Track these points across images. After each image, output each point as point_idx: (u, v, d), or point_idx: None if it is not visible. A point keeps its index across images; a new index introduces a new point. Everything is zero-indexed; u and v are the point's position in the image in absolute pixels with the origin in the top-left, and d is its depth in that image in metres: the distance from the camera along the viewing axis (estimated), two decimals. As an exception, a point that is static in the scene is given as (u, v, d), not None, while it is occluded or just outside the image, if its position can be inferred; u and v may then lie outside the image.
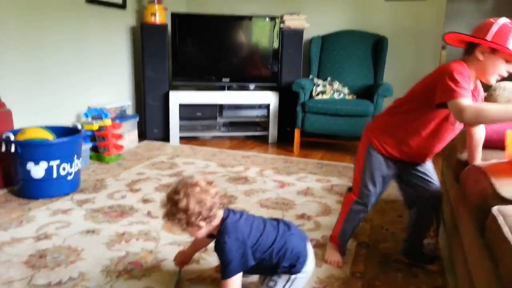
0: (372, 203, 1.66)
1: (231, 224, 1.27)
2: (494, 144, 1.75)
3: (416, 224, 1.71)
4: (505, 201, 1.20)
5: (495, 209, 1.15)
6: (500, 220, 1.08)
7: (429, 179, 1.63)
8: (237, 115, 3.98)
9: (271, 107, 3.83)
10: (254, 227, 1.30)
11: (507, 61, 1.39)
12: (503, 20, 1.40)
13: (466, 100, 1.32)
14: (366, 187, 1.62)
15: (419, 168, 1.63)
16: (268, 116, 3.88)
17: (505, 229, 1.03)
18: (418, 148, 1.56)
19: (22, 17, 2.70)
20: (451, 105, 1.36)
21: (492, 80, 1.44)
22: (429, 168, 1.65)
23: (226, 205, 1.32)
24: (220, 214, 1.29)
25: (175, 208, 1.22)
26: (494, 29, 1.38)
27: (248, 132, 4.03)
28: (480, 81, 1.52)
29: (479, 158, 1.63)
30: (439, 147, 1.58)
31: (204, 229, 1.27)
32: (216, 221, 1.28)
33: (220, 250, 1.23)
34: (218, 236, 1.26)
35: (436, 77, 1.45)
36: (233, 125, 4.06)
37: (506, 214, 1.09)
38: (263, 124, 4.01)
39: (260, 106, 3.93)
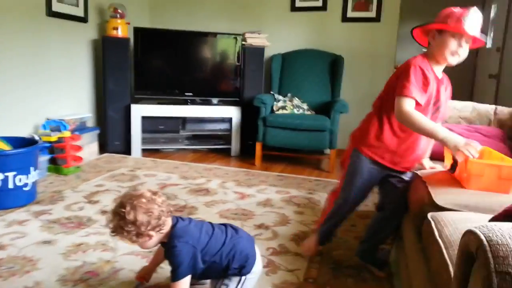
0: (356, 204, 1.76)
1: (181, 229, 1.32)
2: (434, 156, 1.91)
3: (380, 228, 1.77)
4: (440, 208, 1.32)
5: (429, 216, 1.27)
6: (433, 225, 1.20)
7: (405, 186, 1.67)
8: (200, 128, 4.03)
9: (233, 121, 3.91)
10: (203, 232, 1.36)
11: (454, 37, 1.49)
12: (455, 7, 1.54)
13: (409, 103, 1.47)
14: (350, 190, 1.71)
15: (402, 175, 1.69)
16: (230, 129, 3.95)
17: (436, 233, 1.14)
18: (399, 151, 1.62)
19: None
20: (396, 100, 1.50)
21: (451, 60, 1.52)
22: (410, 176, 1.70)
23: (173, 212, 1.37)
24: (169, 221, 1.33)
25: (123, 221, 1.25)
26: (440, 14, 1.55)
27: (211, 145, 4.08)
28: (447, 67, 1.61)
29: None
30: (420, 148, 1.65)
31: (155, 238, 1.31)
32: (166, 229, 1.32)
33: (170, 254, 1.28)
34: (168, 241, 1.31)
35: (399, 73, 1.56)
36: (196, 138, 4.10)
37: (438, 220, 1.21)
38: (225, 138, 4.08)
39: (223, 120, 4.00)
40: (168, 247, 1.30)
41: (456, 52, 1.51)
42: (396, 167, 1.67)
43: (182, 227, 1.34)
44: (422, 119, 1.46)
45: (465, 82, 4.88)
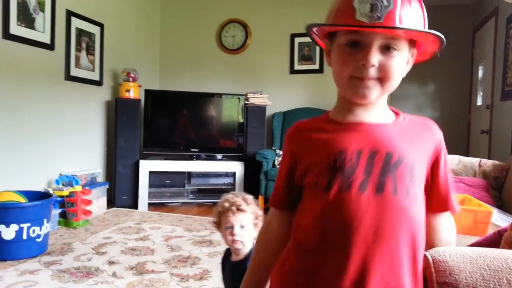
0: None
1: None
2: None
3: None
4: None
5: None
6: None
7: None
8: (205, 182, 4.20)
9: (237, 175, 4.08)
10: None
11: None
12: None
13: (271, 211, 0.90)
14: None
15: None
16: (234, 183, 4.11)
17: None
18: None
19: (1, 88, 2.93)
20: None
21: (355, 94, 0.74)
22: None
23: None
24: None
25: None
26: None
27: (215, 199, 4.20)
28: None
29: None
30: None
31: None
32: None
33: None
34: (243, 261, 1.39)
35: None
36: (201, 192, 4.25)
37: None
38: (229, 191, 4.21)
39: (226, 174, 4.17)
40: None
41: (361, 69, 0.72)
42: None
43: None
44: (256, 247, 0.95)
45: (461, 137, 5.08)
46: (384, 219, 0.68)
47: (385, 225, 0.68)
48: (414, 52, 0.77)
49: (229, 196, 1.41)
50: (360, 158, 0.72)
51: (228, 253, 1.44)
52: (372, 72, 0.71)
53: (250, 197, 1.42)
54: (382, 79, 0.72)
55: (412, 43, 0.75)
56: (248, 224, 1.36)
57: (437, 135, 0.78)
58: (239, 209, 1.34)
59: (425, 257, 0.75)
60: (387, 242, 0.68)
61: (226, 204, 1.37)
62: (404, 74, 0.76)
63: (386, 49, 0.71)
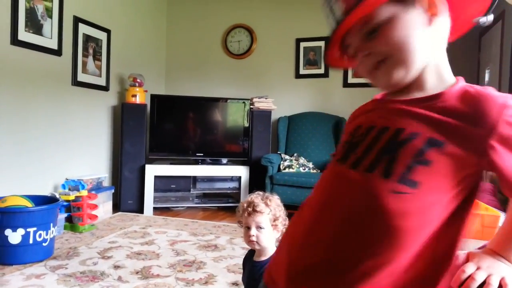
0: None
1: None
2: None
3: None
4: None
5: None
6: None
7: None
8: (210, 187, 4.20)
9: (242, 180, 4.08)
10: None
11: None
12: None
13: None
14: None
15: None
16: (239, 188, 4.10)
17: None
18: None
19: (9, 93, 2.96)
20: None
21: (381, 89, 0.73)
22: None
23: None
24: None
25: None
26: None
27: (221, 203, 4.21)
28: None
29: None
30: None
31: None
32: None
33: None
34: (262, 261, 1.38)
35: None
36: (206, 196, 4.25)
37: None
38: (235, 196, 4.22)
39: (232, 179, 4.17)
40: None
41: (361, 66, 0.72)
42: None
43: None
44: None
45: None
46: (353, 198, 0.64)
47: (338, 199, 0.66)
48: (434, 4, 0.64)
49: (251, 195, 1.41)
50: (368, 134, 0.67)
51: (250, 253, 1.44)
52: (369, 62, 0.67)
53: (274, 198, 1.41)
54: (386, 59, 0.65)
55: None
56: (266, 225, 1.35)
57: (489, 116, 0.59)
58: (255, 210, 1.34)
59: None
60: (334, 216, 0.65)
61: (245, 205, 1.37)
62: (425, 37, 0.64)
63: (373, 31, 0.64)
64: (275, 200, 1.40)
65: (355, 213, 0.63)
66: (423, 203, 0.60)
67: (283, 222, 1.38)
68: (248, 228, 1.35)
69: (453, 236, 0.62)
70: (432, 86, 0.66)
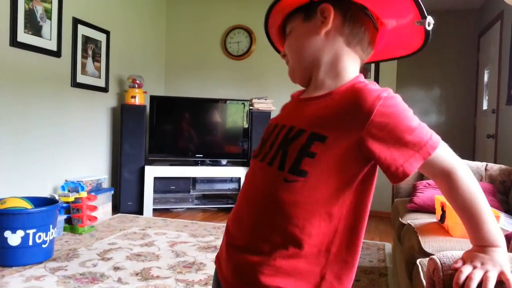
0: None
1: None
2: (428, 209, 2.03)
3: None
4: (428, 254, 1.44)
5: (418, 261, 1.39)
6: (420, 269, 1.31)
7: None
8: (209, 188, 4.20)
9: (241, 181, 4.07)
10: None
11: None
12: None
13: None
14: None
15: None
16: (239, 189, 4.10)
17: (421, 276, 1.26)
18: None
19: (9, 94, 2.96)
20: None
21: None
22: None
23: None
24: None
25: None
26: None
27: (220, 204, 4.21)
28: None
29: None
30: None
31: None
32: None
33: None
34: None
35: None
36: (205, 197, 4.25)
37: (424, 264, 1.32)
38: (234, 197, 4.22)
39: (231, 180, 4.17)
40: None
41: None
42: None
43: None
44: None
45: (467, 142, 5.04)
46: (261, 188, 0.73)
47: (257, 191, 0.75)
48: (326, 13, 0.73)
49: None
50: (274, 131, 0.77)
51: None
52: (287, 60, 0.84)
53: None
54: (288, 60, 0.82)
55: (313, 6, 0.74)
56: None
57: (363, 107, 0.64)
58: None
59: (433, 260, 0.75)
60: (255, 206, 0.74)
61: None
62: (319, 42, 0.75)
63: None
64: None
65: (263, 201, 0.72)
66: (314, 188, 0.67)
67: None
68: None
69: (354, 215, 0.69)
70: (328, 86, 0.75)
